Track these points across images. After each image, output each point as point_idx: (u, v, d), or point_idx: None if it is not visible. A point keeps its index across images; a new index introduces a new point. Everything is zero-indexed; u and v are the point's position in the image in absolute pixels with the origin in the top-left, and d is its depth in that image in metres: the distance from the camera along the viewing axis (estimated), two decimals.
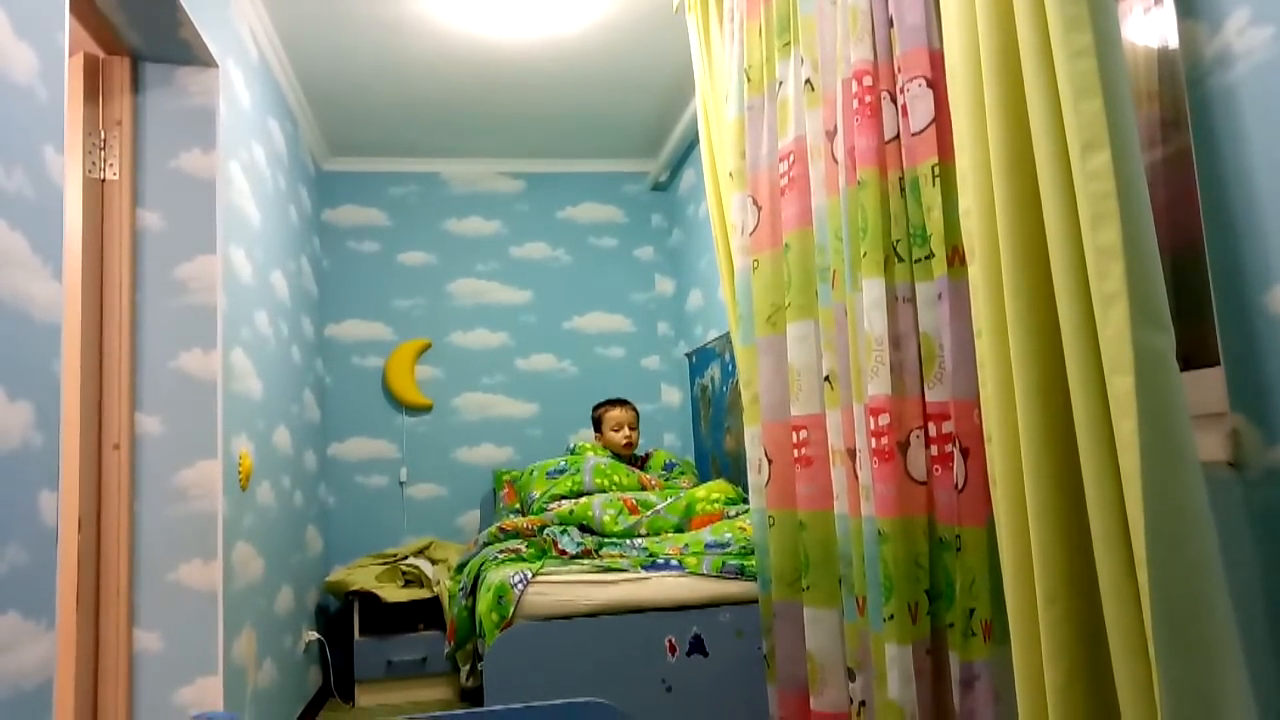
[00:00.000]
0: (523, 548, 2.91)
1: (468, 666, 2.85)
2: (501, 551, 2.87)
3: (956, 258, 1.54)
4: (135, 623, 2.13)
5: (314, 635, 3.57)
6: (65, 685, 1.97)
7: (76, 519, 2.04)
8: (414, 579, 3.69)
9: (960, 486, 1.55)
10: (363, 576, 3.68)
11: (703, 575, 2.56)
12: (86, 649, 2.05)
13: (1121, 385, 1.03)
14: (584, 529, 3.09)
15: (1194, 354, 1.30)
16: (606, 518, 3.11)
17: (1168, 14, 1.38)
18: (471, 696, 3.18)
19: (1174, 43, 1.32)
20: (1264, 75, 1.11)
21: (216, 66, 2.35)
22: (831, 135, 1.86)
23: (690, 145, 4.21)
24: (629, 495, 3.30)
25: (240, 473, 2.48)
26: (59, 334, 1.47)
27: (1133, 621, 1.04)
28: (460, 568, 3.07)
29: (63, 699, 1.96)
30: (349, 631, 3.73)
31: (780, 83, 2.08)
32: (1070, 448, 1.16)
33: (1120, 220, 1.05)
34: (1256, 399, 1.14)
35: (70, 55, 2.06)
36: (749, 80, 2.23)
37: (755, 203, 2.18)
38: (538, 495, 3.52)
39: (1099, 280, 1.06)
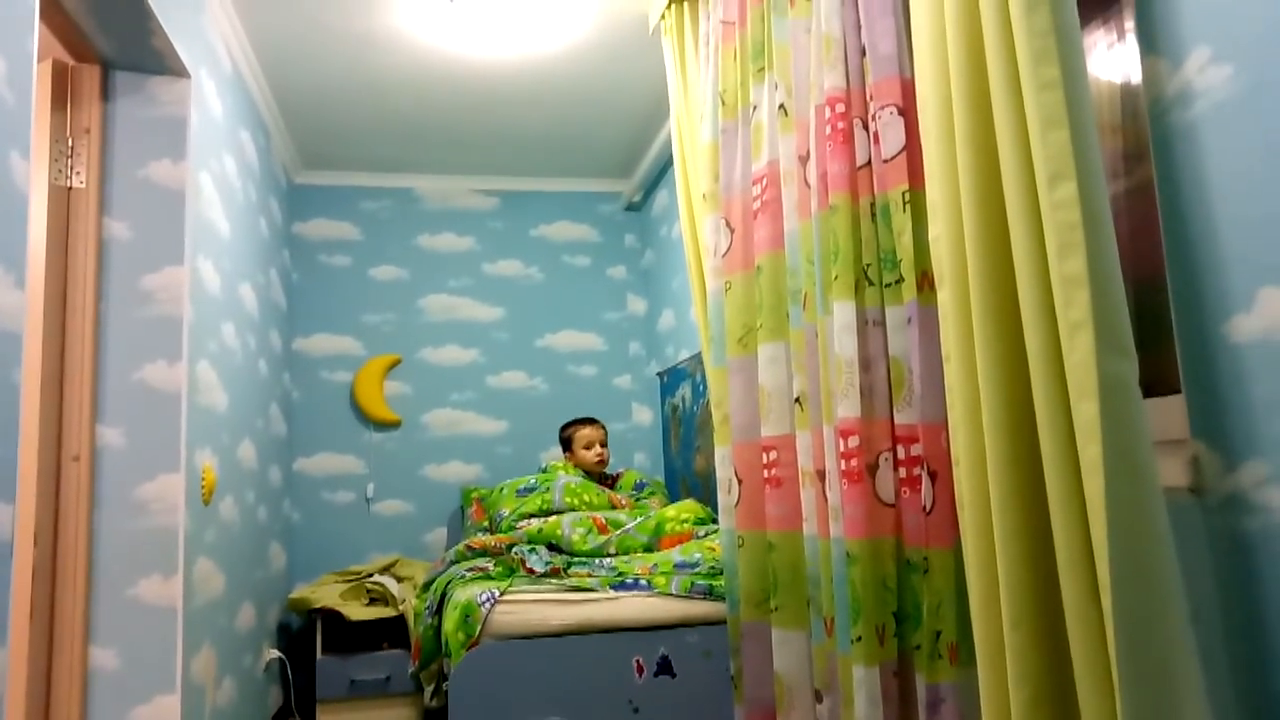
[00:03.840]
0: (490, 566, 2.88)
1: (432, 686, 2.81)
2: (469, 570, 2.84)
3: (926, 283, 1.56)
4: (91, 639, 2.08)
5: (275, 654, 3.50)
6: (16, 703, 1.92)
7: (33, 532, 1.99)
8: (379, 597, 3.64)
9: (928, 509, 1.56)
10: (326, 594, 3.62)
11: (671, 595, 2.56)
12: (39, 666, 2.00)
13: (1086, 411, 1.05)
14: (553, 548, 3.07)
15: (1156, 381, 1.32)
16: (575, 536, 3.09)
17: (1131, 50, 1.42)
18: (436, 717, 3.13)
19: (1137, 78, 1.35)
20: (1223, 113, 1.14)
21: (188, 76, 2.33)
22: (804, 160, 1.88)
23: (664, 167, 4.23)
24: (598, 514, 3.29)
25: (203, 487, 2.44)
26: (20, 343, 1.44)
27: (1096, 645, 1.06)
28: (426, 586, 3.03)
29: (13, 717, 1.90)
30: (311, 650, 3.66)
31: (754, 107, 2.10)
32: (1036, 472, 1.18)
33: (1086, 249, 1.07)
34: (1216, 426, 1.16)
35: (39, 61, 2.04)
36: (723, 104, 2.25)
37: (728, 225, 2.20)
38: (507, 513, 3.50)
39: (1065, 308, 1.09)
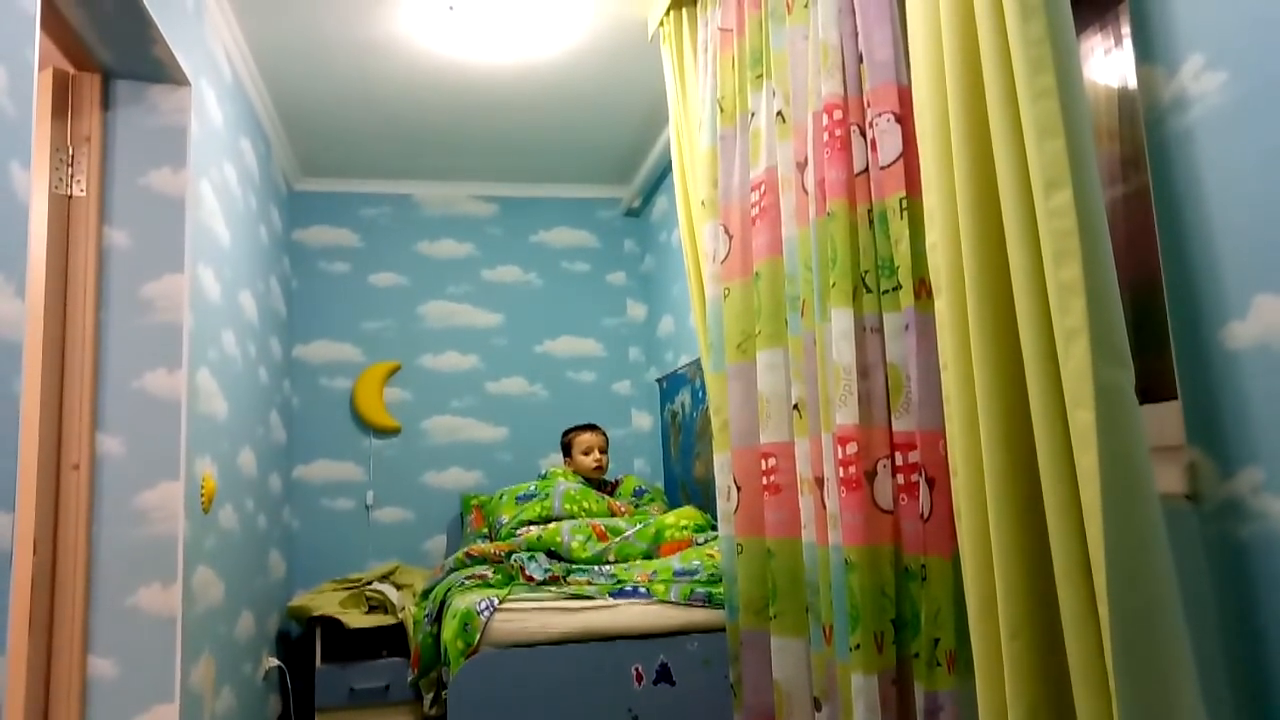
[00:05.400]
0: (489, 574, 2.88)
1: (431, 695, 2.81)
2: (468, 577, 2.84)
3: (923, 290, 1.57)
4: (90, 648, 2.08)
5: (274, 662, 3.50)
6: (15, 712, 1.91)
7: (32, 541, 1.99)
8: (378, 605, 3.63)
9: (926, 516, 1.56)
10: (326, 602, 3.62)
11: (670, 603, 2.55)
12: (38, 675, 1.99)
13: (1082, 418, 1.05)
14: (552, 555, 3.07)
15: (1152, 388, 1.32)
16: (575, 544, 3.09)
17: (1127, 57, 1.42)
18: None
19: (1133, 84, 1.36)
20: (1218, 119, 1.15)
21: (189, 85, 2.34)
22: (802, 167, 1.88)
23: (663, 173, 4.24)
24: (598, 521, 3.28)
25: (203, 495, 2.44)
26: (20, 352, 1.45)
27: (1093, 653, 1.05)
28: (425, 593, 3.03)
29: None
30: (310, 658, 3.66)
31: (752, 114, 2.10)
32: (1033, 480, 1.18)
33: (1082, 257, 1.07)
34: (1213, 433, 1.16)
35: (39, 70, 2.04)
36: (722, 110, 2.25)
37: (727, 231, 2.21)
38: (506, 520, 3.49)
39: (1061, 315, 1.09)
